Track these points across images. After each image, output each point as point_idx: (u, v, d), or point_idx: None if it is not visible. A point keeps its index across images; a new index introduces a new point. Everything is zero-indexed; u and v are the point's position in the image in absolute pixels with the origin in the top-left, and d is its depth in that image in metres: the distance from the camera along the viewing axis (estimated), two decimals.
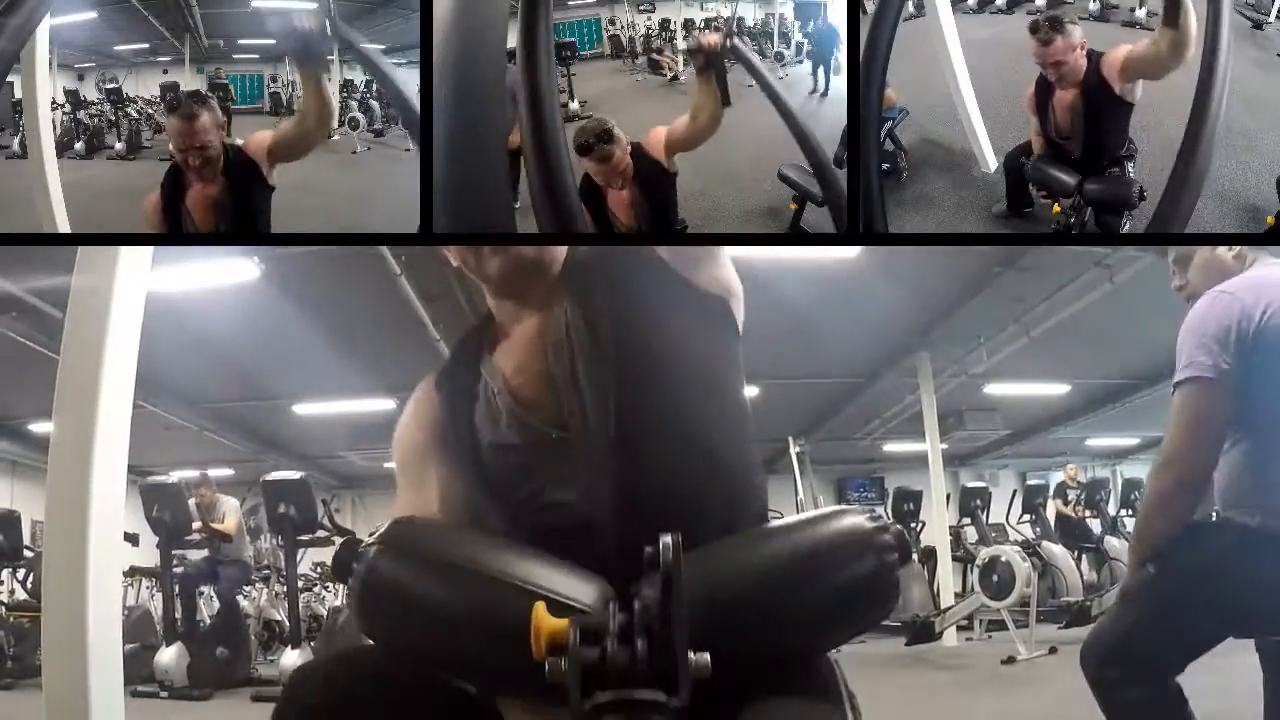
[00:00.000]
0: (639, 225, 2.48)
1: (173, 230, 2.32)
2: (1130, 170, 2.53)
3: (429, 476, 1.31)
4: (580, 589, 1.10)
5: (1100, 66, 2.41)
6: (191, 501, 7.01)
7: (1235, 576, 2.01)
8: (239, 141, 2.41)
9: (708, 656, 0.95)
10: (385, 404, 8.62)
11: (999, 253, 6.45)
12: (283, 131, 2.34)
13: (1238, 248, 2.21)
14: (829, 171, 2.32)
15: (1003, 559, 7.03)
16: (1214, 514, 2.22)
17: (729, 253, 1.44)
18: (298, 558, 7.01)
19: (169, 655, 6.44)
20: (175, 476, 7.25)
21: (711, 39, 2.26)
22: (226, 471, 11.77)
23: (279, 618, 8.02)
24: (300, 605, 7.14)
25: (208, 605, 7.60)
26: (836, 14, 3.13)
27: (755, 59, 2.32)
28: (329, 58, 2.21)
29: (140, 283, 2.79)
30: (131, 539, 6.69)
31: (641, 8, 3.48)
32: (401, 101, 2.23)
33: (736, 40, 2.31)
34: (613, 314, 1.26)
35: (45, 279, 5.07)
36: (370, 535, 1.18)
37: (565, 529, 1.19)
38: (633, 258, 1.36)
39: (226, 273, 5.46)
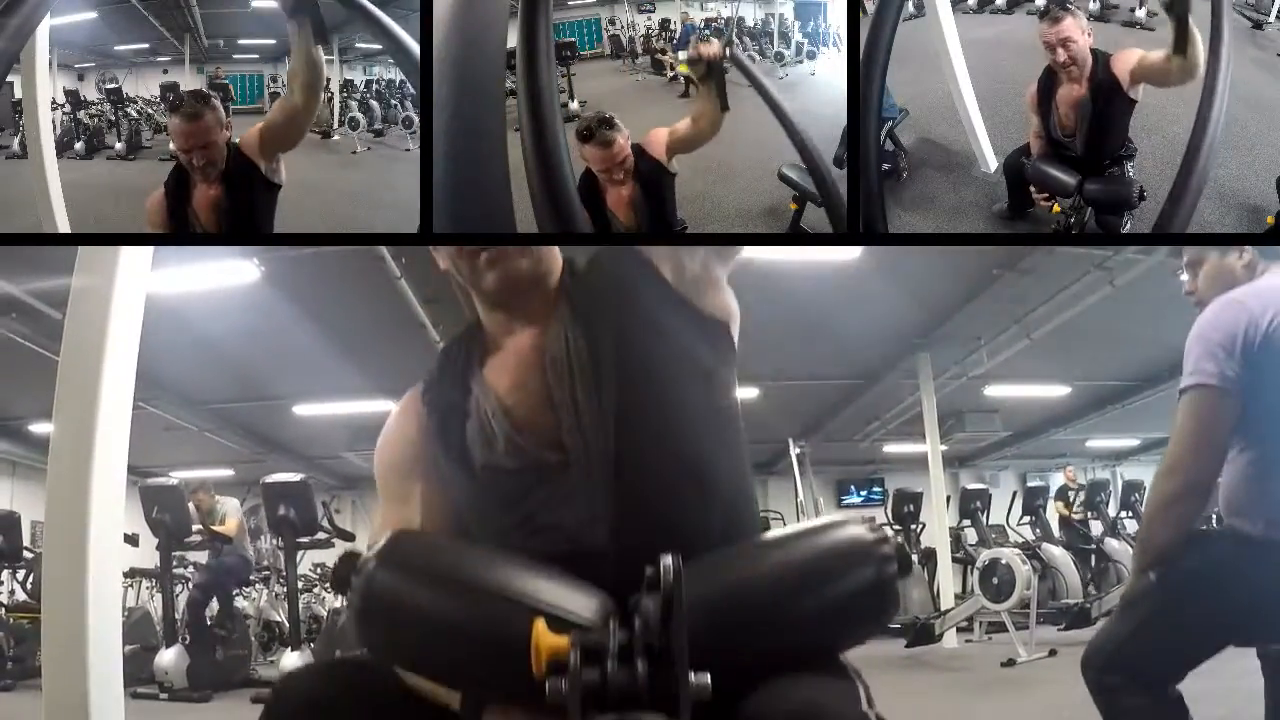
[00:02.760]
0: (638, 224, 2.48)
1: (178, 230, 2.31)
2: (1129, 170, 2.53)
3: (412, 493, 1.29)
4: (580, 603, 1.09)
5: (1110, 64, 2.41)
6: (190, 504, 7.00)
7: (1237, 585, 2.00)
8: (237, 140, 2.41)
9: (708, 678, 0.94)
10: (385, 405, 8.59)
11: (999, 254, 6.45)
12: (269, 116, 2.28)
13: (1248, 255, 2.20)
14: (828, 178, 2.32)
15: (1003, 561, 7.02)
16: (1214, 517, 2.22)
17: (737, 256, 1.42)
18: (298, 559, 7.00)
19: (169, 657, 6.43)
20: (175, 479, 7.24)
21: (711, 49, 2.27)
22: (227, 472, 11.77)
23: (279, 618, 8.01)
24: (300, 606, 7.14)
25: (209, 608, 7.58)
26: (836, 14, 3.13)
27: (753, 68, 2.33)
28: (322, 25, 2.16)
29: (140, 283, 2.78)
30: (131, 540, 6.68)
31: (642, 8, 3.48)
32: (403, 54, 2.20)
33: (735, 50, 2.32)
34: (615, 333, 1.23)
35: (45, 280, 5.06)
36: (370, 546, 1.16)
37: (560, 554, 1.16)
38: (634, 276, 1.32)
39: (227, 274, 5.45)
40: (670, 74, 3.42)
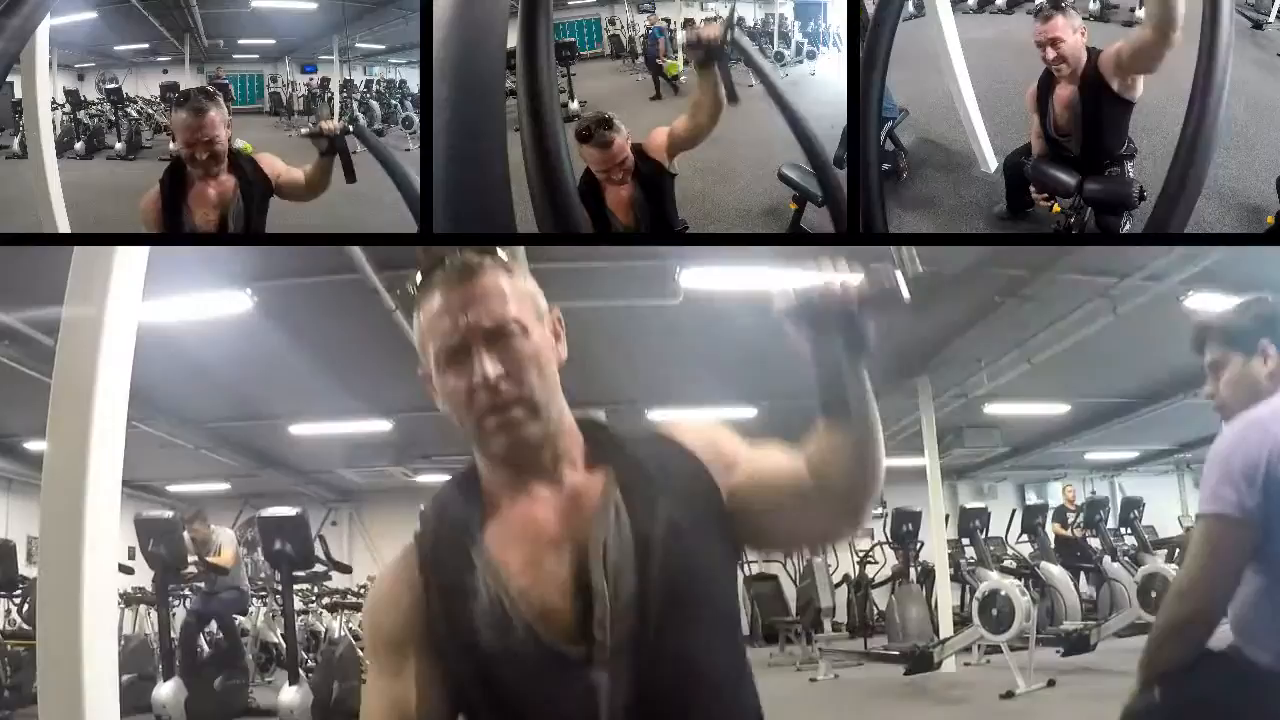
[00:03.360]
0: (638, 224, 2.48)
1: (173, 227, 2.32)
2: (1130, 170, 2.53)
3: (405, 667, 1.19)
4: None
5: (1098, 63, 2.41)
6: (186, 536, 6.94)
7: (1243, 713, 1.98)
8: (239, 143, 2.42)
9: None
10: (380, 425, 8.65)
11: (1001, 281, 6.38)
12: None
13: (1273, 362, 2.13)
14: (829, 170, 2.32)
15: (1002, 593, 6.99)
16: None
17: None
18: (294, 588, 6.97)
19: (167, 690, 6.36)
20: (170, 513, 7.18)
21: (711, 31, 2.23)
22: (223, 486, 11.73)
23: (275, 639, 7.96)
24: (298, 624, 7.10)
25: (206, 637, 7.53)
26: (836, 14, 3.13)
27: (756, 54, 2.30)
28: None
29: (135, 298, 2.75)
30: (126, 570, 6.64)
31: (641, 8, 3.48)
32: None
33: (738, 33, 2.28)
34: (667, 529, 1.13)
35: (38, 310, 5.04)
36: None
37: None
38: (682, 466, 1.20)
39: (221, 305, 5.42)
40: (670, 75, 3.42)
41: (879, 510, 13.88)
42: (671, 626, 1.12)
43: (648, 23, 3.37)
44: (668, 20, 3.43)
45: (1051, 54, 2.43)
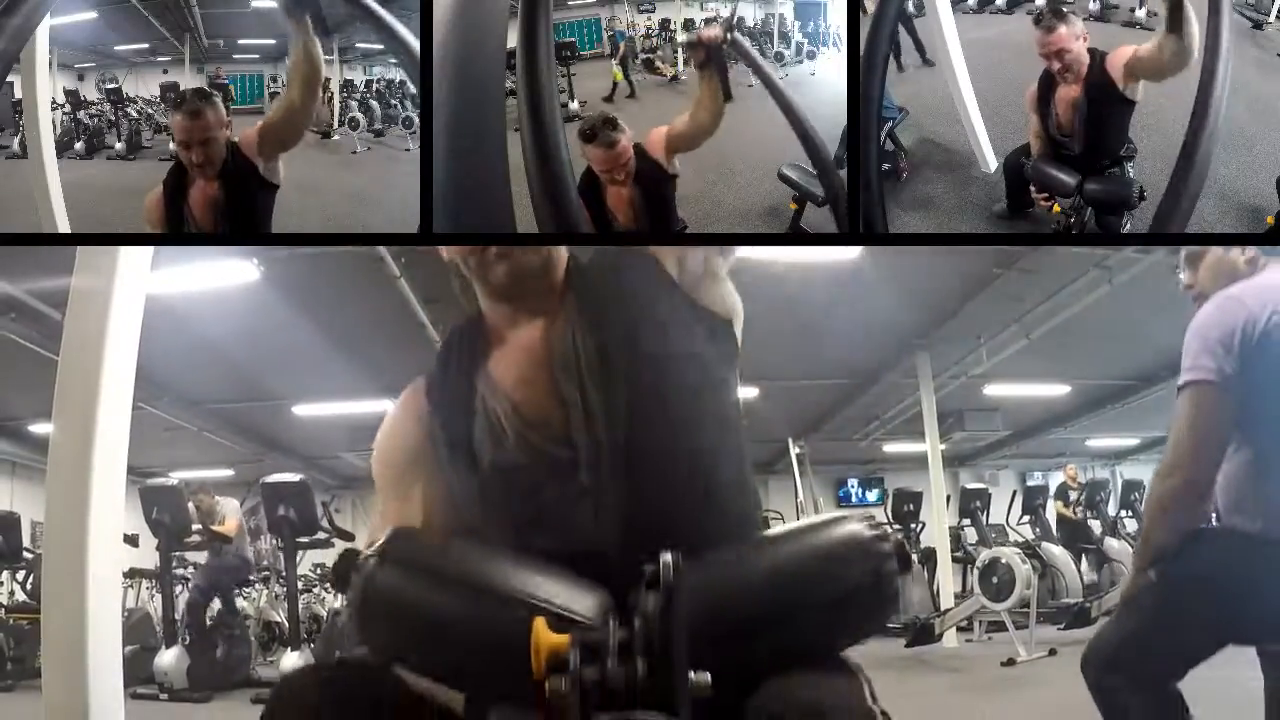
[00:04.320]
0: (638, 224, 2.48)
1: (174, 229, 2.31)
2: (1130, 170, 2.52)
3: (413, 490, 1.27)
4: (580, 601, 1.09)
5: (1104, 64, 2.41)
6: (191, 505, 6.99)
7: (1236, 583, 2.00)
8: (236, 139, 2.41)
9: (708, 676, 0.95)
10: (385, 405, 8.56)
11: (999, 254, 6.45)
12: (268, 115, 2.27)
13: (1250, 251, 2.19)
14: (830, 168, 2.31)
15: (1002, 561, 7.02)
16: (1213, 516, 2.22)
17: (736, 252, 1.42)
18: (298, 560, 7.00)
19: (169, 657, 6.43)
20: (175, 479, 7.23)
21: (711, 32, 2.24)
22: (227, 472, 11.76)
23: (279, 619, 8.00)
24: (300, 606, 7.13)
25: (208, 608, 7.57)
26: (836, 14, 3.13)
27: (756, 54, 2.30)
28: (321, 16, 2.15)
29: (140, 283, 2.77)
30: (131, 540, 6.67)
31: (641, 8, 3.48)
32: (403, 51, 2.18)
33: (737, 34, 2.27)
34: (622, 330, 1.23)
35: (45, 280, 5.05)
36: (369, 544, 1.15)
37: (562, 551, 1.16)
38: (639, 271, 1.31)
39: (226, 274, 5.44)
40: (667, 75, 3.42)
41: (878, 493, 13.80)
42: (645, 428, 1.19)
43: (608, 29, 3.36)
44: (634, 25, 3.43)
45: (1057, 65, 2.43)
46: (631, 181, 2.46)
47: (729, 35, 2.22)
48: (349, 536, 7.74)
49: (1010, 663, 6.43)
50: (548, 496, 1.20)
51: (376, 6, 2.25)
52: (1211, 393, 1.97)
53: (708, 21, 3.15)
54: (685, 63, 3.34)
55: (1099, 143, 2.49)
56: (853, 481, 16.20)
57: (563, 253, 1.34)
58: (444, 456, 1.25)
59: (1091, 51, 2.44)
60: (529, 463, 1.21)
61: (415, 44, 2.11)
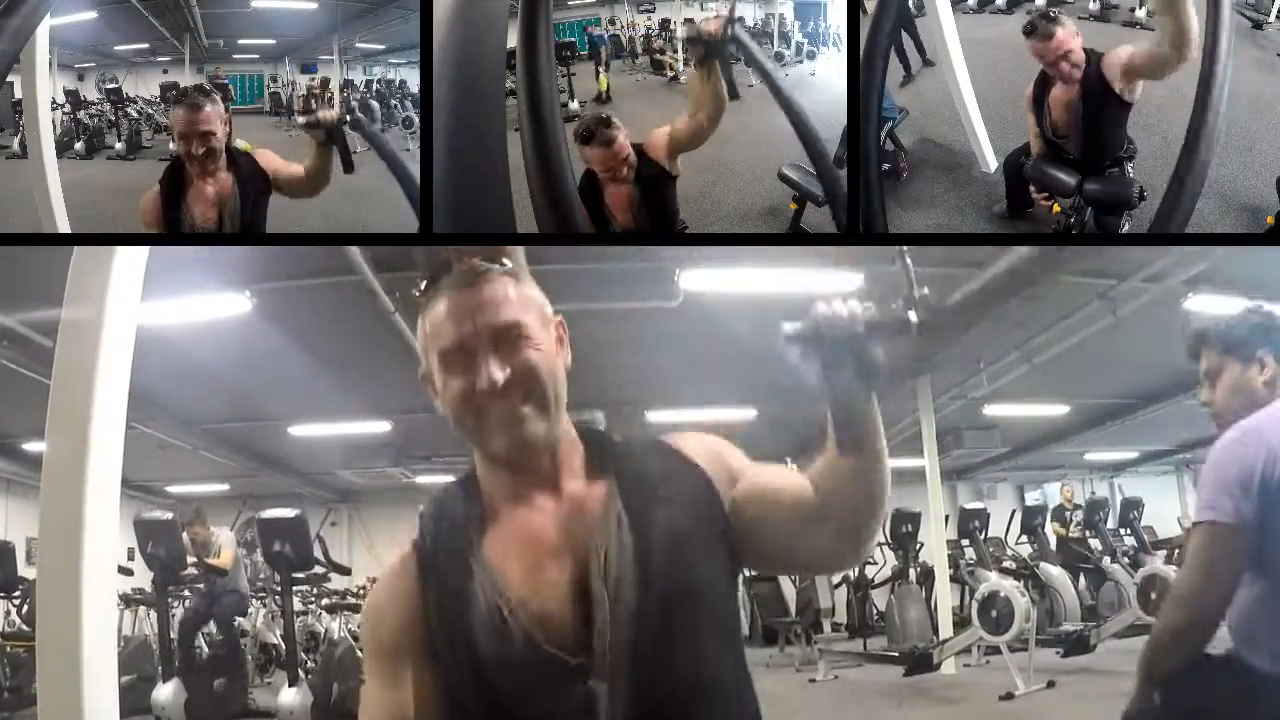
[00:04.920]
0: (637, 224, 2.48)
1: (172, 226, 2.32)
2: (1129, 170, 2.52)
3: (404, 676, 1.18)
4: None
5: (1100, 65, 2.40)
6: (185, 537, 6.94)
7: (1241, 717, 1.98)
8: (240, 143, 2.42)
9: None
10: (380, 426, 8.67)
11: (1008, 291, 6.36)
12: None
13: (1270, 369, 2.13)
14: (828, 167, 2.31)
15: (1001, 595, 6.99)
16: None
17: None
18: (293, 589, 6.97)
19: (167, 691, 6.36)
20: (169, 514, 7.18)
21: (712, 25, 2.21)
22: (222, 487, 11.73)
23: (275, 640, 7.96)
24: (297, 626, 7.08)
25: (205, 637, 7.54)
26: (836, 14, 3.13)
27: (757, 50, 2.28)
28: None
29: (134, 298, 2.75)
30: (125, 572, 6.63)
31: (642, 8, 3.48)
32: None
33: (739, 29, 2.23)
34: (668, 536, 1.13)
35: (37, 311, 5.03)
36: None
37: None
38: (683, 473, 1.20)
39: (220, 306, 5.42)
40: (669, 74, 3.42)
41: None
42: (671, 637, 1.11)
43: (587, 30, 3.36)
44: (612, 25, 3.44)
45: (1066, 66, 2.42)
46: (632, 181, 2.46)
47: (730, 30, 2.19)
48: (345, 570, 7.71)
49: (1009, 696, 6.40)
50: (552, 698, 1.12)
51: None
52: (1227, 535, 1.94)
53: (708, 18, 3.15)
54: (685, 63, 3.34)
55: (1095, 144, 2.48)
56: None
57: (571, 429, 1.19)
58: (438, 642, 1.17)
59: (1087, 52, 2.44)
60: (534, 663, 1.12)
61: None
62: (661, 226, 2.51)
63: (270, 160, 2.37)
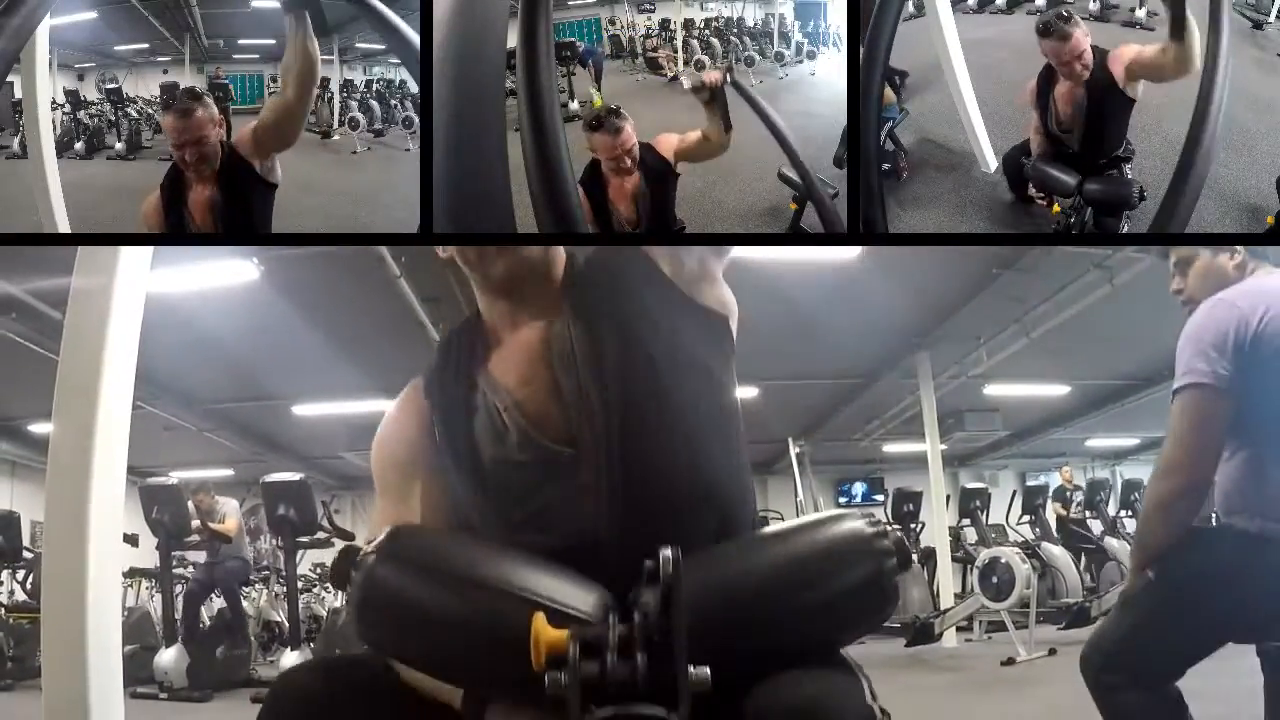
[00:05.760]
0: (639, 216, 2.48)
1: (174, 229, 2.31)
2: (1128, 171, 2.52)
3: (413, 489, 1.27)
4: (580, 598, 1.09)
5: (1106, 62, 2.40)
6: (190, 503, 6.99)
7: (1236, 581, 2.01)
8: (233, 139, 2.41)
9: (708, 670, 0.95)
10: (384, 405, 8.58)
11: (999, 254, 6.44)
12: (262, 114, 2.25)
13: (1239, 255, 2.20)
14: (826, 202, 2.38)
15: (1002, 560, 7.01)
16: (1214, 517, 2.22)
17: (731, 252, 1.42)
18: (297, 559, 7.00)
19: (169, 657, 6.42)
20: (174, 478, 7.22)
21: (713, 76, 2.36)
22: (226, 471, 11.76)
23: (279, 618, 8.00)
24: (300, 606, 7.12)
25: (208, 606, 7.58)
26: (836, 14, 3.13)
27: (753, 92, 2.40)
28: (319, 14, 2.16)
29: (140, 283, 2.77)
30: (131, 540, 6.66)
31: (642, 8, 3.48)
32: (404, 48, 2.19)
33: (736, 77, 2.41)
34: (619, 328, 1.23)
35: (45, 280, 5.06)
36: (369, 542, 1.14)
37: (568, 548, 1.16)
38: (636, 270, 1.31)
39: (226, 274, 5.44)
40: (668, 74, 3.42)
41: (880, 496, 13.81)
42: (643, 426, 1.19)
43: (570, 47, 3.35)
44: (633, 24, 3.43)
45: (1078, 67, 2.42)
46: (637, 173, 2.47)
47: (728, 78, 2.38)
48: (349, 536, 7.72)
49: (1010, 662, 6.44)
50: (549, 493, 1.20)
51: (379, 5, 2.25)
52: (1207, 396, 1.98)
53: (710, 69, 3.26)
54: (686, 62, 3.34)
55: (1098, 139, 2.48)
56: (855, 482, 16.14)
57: (561, 252, 1.34)
58: (444, 454, 1.26)
59: (1093, 49, 2.44)
60: (530, 460, 1.21)
61: (415, 40, 2.12)
62: (661, 220, 2.52)
63: (241, 133, 2.23)
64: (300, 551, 6.97)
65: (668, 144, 2.50)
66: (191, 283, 5.28)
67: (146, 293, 3.09)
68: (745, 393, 8.19)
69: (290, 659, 6.29)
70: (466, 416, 1.25)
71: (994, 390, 9.88)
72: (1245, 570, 2.00)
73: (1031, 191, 2.59)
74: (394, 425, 1.33)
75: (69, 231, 2.69)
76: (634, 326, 1.24)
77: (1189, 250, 2.25)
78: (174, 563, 7.03)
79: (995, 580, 7.01)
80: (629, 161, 2.45)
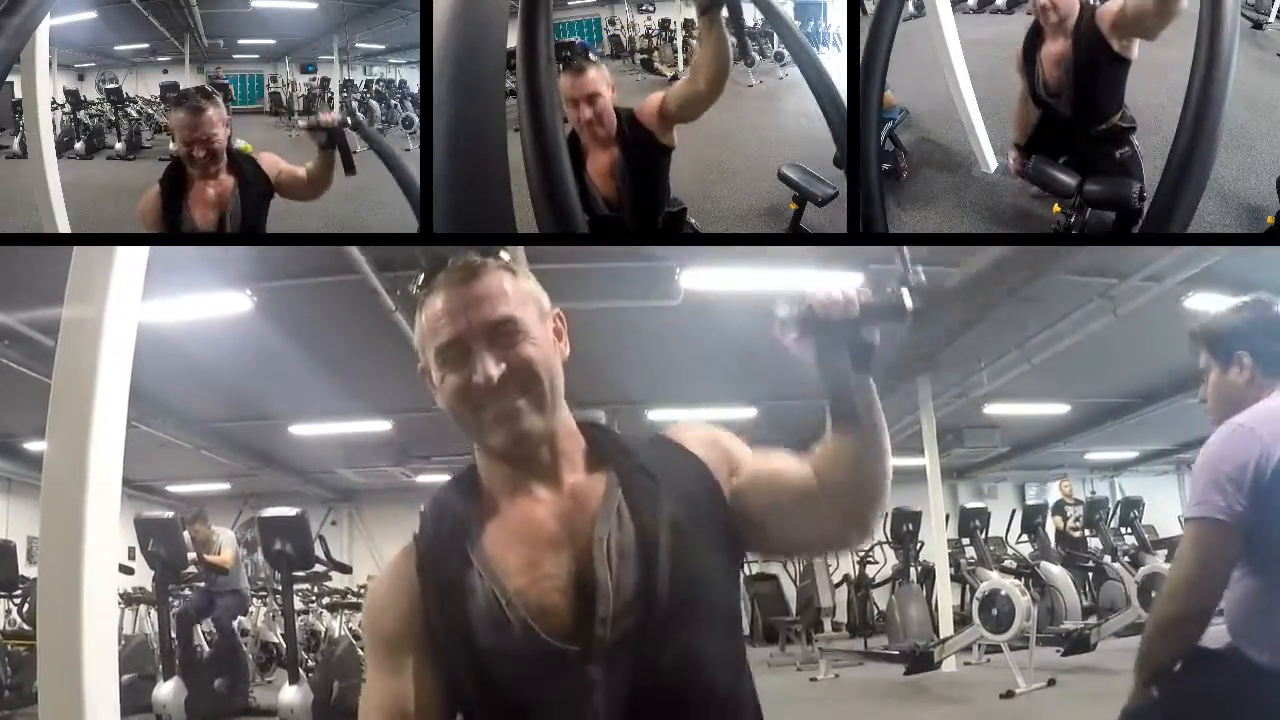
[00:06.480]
0: (618, 195, 2.38)
1: (172, 227, 2.31)
2: (1136, 144, 2.46)
3: (404, 665, 1.19)
4: None
5: (1094, 17, 2.35)
6: (186, 535, 6.95)
7: (1241, 709, 1.99)
8: (241, 144, 2.42)
9: None
10: (380, 425, 8.68)
11: (1002, 287, 6.35)
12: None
13: (1247, 371, 2.14)
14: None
15: (1002, 593, 6.99)
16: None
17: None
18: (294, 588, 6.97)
19: (167, 690, 6.36)
20: (170, 513, 7.18)
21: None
22: (223, 486, 11.72)
23: (275, 639, 7.97)
24: (298, 624, 7.08)
25: (206, 636, 7.55)
26: (836, 14, 3.13)
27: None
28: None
29: (134, 299, 2.75)
30: (126, 570, 6.63)
31: (642, 8, 3.48)
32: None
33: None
34: (670, 525, 1.13)
35: (39, 310, 5.03)
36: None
37: None
38: (683, 465, 1.21)
39: (221, 305, 5.43)
40: (667, 74, 3.42)
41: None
42: (672, 625, 1.11)
43: (578, 39, 3.34)
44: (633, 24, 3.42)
45: (1054, 16, 2.36)
46: (615, 147, 2.35)
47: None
48: (346, 569, 7.71)
49: (1009, 694, 6.40)
50: (548, 689, 1.14)
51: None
52: (1220, 530, 1.94)
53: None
54: (686, 62, 3.34)
55: (1090, 102, 2.42)
56: None
57: (571, 423, 1.21)
58: (438, 633, 1.18)
59: (1082, 5, 2.37)
60: (531, 653, 1.13)
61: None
62: (651, 200, 2.41)
63: (274, 163, 2.37)
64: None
65: (652, 109, 2.35)
66: (191, 311, 5.26)
67: (149, 321, 3.07)
68: (744, 413, 8.21)
69: (289, 693, 6.24)
70: (461, 599, 1.17)
71: (994, 409, 9.83)
72: (1250, 700, 1.97)
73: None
74: (385, 597, 1.24)
75: (69, 231, 2.70)
76: (681, 524, 1.15)
77: (1205, 361, 2.19)
78: (170, 597, 6.99)
79: (995, 613, 6.98)
80: (604, 133, 2.33)
